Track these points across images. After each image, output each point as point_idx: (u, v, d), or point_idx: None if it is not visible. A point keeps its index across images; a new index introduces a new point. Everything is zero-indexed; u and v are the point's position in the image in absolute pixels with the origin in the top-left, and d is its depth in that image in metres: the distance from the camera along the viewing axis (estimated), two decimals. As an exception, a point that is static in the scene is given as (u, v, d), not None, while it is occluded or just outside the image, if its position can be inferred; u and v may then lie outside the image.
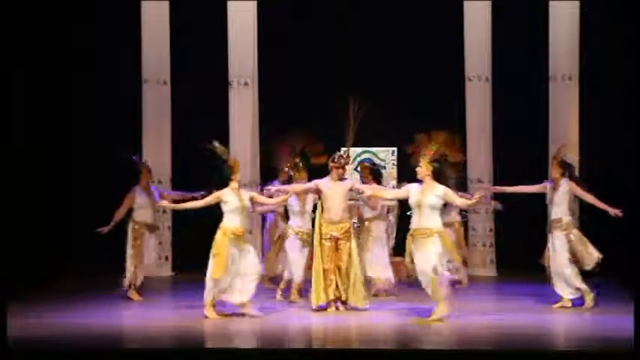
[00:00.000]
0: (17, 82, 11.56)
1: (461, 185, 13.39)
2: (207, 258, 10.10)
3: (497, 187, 11.83)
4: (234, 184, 10.27)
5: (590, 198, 10.79)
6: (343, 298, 10.63)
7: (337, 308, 10.59)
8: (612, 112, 13.47)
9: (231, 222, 10.18)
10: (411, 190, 10.00)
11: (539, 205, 12.61)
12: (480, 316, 10.44)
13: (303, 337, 9.47)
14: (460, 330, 9.59)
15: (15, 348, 8.23)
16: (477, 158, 14.21)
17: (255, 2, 14.25)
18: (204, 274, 10.15)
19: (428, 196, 9.85)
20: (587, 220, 12.30)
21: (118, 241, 13.88)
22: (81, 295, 11.86)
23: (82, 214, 13.92)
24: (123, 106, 14.17)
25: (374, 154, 14.64)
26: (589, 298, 10.74)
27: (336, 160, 10.71)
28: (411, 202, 9.96)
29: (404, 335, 9.37)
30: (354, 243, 10.68)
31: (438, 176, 9.99)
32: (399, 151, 13.58)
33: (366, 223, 11.90)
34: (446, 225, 12.11)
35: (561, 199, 10.81)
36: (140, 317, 10.51)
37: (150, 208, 11.64)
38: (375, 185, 11.49)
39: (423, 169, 9.97)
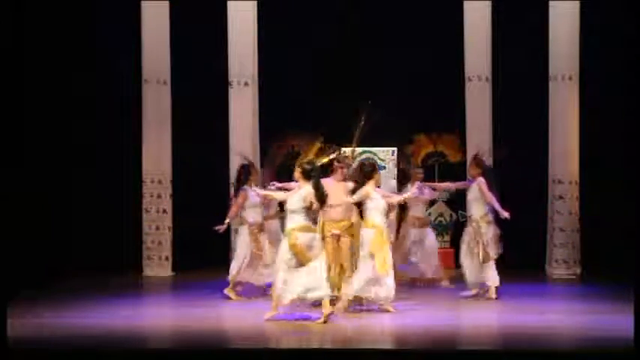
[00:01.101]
0: (17, 83, 11.54)
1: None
2: (207, 258, 10.05)
3: (427, 184, 12.28)
4: (372, 183, 10.40)
5: (489, 198, 11.19)
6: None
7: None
8: (612, 112, 13.46)
9: (378, 220, 10.31)
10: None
11: (538, 205, 12.63)
12: (480, 316, 10.45)
13: (302, 336, 9.46)
14: (460, 330, 9.59)
15: (15, 348, 8.23)
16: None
17: (255, 2, 14.24)
18: (205, 274, 10.09)
19: (291, 198, 9.88)
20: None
21: (118, 241, 13.96)
22: (81, 295, 11.86)
23: (82, 214, 13.93)
24: (123, 106, 14.17)
25: (374, 154, 14.64)
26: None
27: (341, 161, 10.76)
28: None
29: (403, 335, 9.37)
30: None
31: (311, 177, 9.85)
32: (399, 150, 13.57)
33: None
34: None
35: (473, 196, 11.30)
36: (140, 317, 10.50)
37: (259, 207, 11.66)
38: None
39: (296, 171, 10.02)
